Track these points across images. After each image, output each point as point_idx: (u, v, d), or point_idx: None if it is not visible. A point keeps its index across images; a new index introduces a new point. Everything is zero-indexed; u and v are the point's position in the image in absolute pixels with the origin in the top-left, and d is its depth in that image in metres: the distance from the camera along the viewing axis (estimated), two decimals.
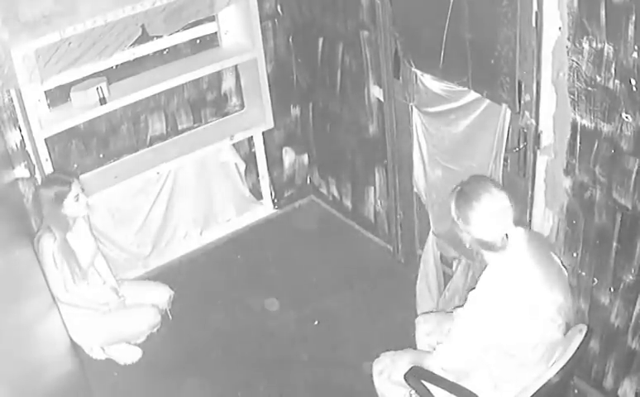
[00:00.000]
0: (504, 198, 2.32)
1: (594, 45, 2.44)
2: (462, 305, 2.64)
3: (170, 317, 3.58)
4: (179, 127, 4.09)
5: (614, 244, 2.70)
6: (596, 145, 2.60)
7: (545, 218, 2.92)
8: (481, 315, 2.35)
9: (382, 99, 3.59)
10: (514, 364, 2.39)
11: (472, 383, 2.45)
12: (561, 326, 2.39)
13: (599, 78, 2.47)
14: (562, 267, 2.45)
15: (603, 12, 2.36)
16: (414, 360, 2.59)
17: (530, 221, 2.93)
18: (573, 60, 2.53)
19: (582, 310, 2.91)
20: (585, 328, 2.41)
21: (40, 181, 3.48)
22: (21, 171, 3.54)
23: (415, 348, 2.87)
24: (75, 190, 3.22)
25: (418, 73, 3.21)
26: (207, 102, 4.13)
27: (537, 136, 2.76)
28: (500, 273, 2.33)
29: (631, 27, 2.30)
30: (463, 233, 2.38)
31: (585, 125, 2.61)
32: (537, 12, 2.52)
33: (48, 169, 3.49)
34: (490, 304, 2.33)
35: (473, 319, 2.37)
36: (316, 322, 3.68)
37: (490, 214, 2.29)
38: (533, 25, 2.54)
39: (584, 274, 2.84)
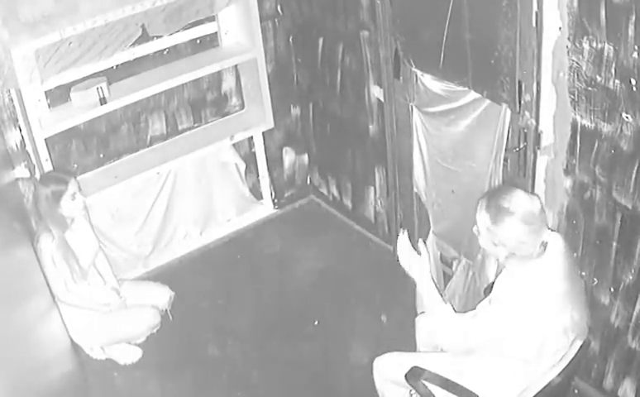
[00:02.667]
0: (539, 203, 2.29)
1: (594, 45, 2.44)
2: (479, 304, 2.63)
3: (170, 317, 3.58)
4: (179, 127, 4.09)
5: (614, 244, 2.70)
6: (596, 145, 2.60)
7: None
8: (502, 322, 2.34)
9: (382, 99, 3.59)
10: (524, 368, 2.39)
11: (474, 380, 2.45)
12: (571, 338, 2.39)
13: (599, 78, 2.47)
14: (582, 282, 2.44)
15: (603, 12, 2.36)
16: (415, 360, 2.60)
17: None
18: (573, 60, 2.53)
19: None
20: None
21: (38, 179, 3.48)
22: (21, 171, 3.54)
23: (415, 348, 2.87)
24: (72, 189, 3.22)
25: (418, 73, 3.22)
26: (207, 102, 4.13)
27: (537, 136, 2.76)
28: (530, 283, 2.29)
29: (631, 27, 2.30)
30: (498, 247, 2.31)
31: (585, 125, 2.61)
32: (537, 12, 2.52)
33: (48, 169, 3.49)
34: (513, 313, 2.31)
35: (493, 327, 2.36)
36: (316, 322, 3.68)
37: (527, 220, 2.24)
38: (533, 25, 2.54)
39: (584, 274, 2.84)
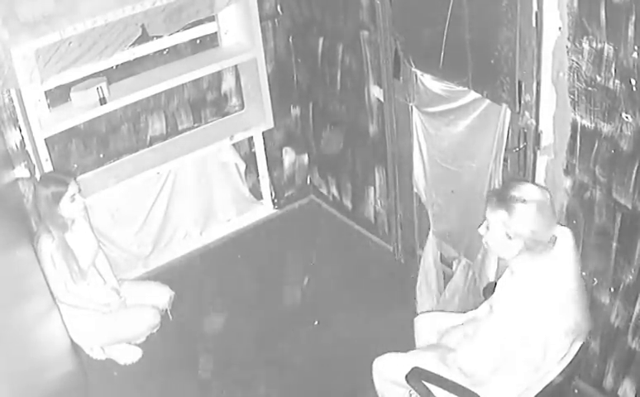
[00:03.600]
0: (547, 192, 2.32)
1: (594, 45, 2.44)
2: (480, 306, 2.63)
3: (170, 317, 3.58)
4: (179, 127, 4.09)
5: (614, 244, 2.70)
6: (596, 145, 2.60)
7: None
8: (508, 323, 2.33)
9: (382, 99, 3.59)
10: (527, 370, 2.38)
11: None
12: (571, 339, 2.39)
13: (599, 78, 2.47)
14: (584, 283, 2.44)
15: (603, 12, 2.36)
16: (415, 360, 2.59)
17: None
18: (573, 60, 2.53)
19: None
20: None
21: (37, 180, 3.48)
22: (21, 171, 3.54)
23: (415, 348, 2.87)
24: (72, 191, 3.21)
25: (418, 73, 3.21)
26: (207, 102, 4.13)
27: (537, 136, 2.76)
28: (533, 281, 2.30)
29: (631, 27, 2.30)
30: (513, 240, 2.29)
31: (585, 125, 2.61)
32: (537, 12, 2.52)
33: (48, 169, 3.49)
34: (518, 313, 2.31)
35: (500, 328, 2.36)
36: (316, 322, 3.68)
37: (540, 208, 2.25)
38: (533, 25, 2.54)
39: (584, 274, 2.84)
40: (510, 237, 2.30)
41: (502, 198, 2.31)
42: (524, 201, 2.26)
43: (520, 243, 2.29)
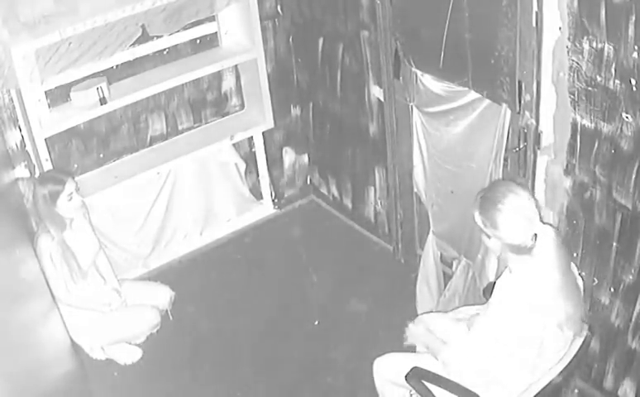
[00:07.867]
0: (529, 194, 2.33)
1: (594, 45, 2.44)
2: (475, 307, 2.63)
3: (170, 317, 3.58)
4: (179, 127, 4.09)
5: (614, 244, 2.70)
6: (596, 145, 2.60)
7: (545, 218, 2.92)
8: (503, 322, 2.33)
9: (382, 99, 3.59)
10: (520, 368, 2.38)
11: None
12: (567, 334, 2.39)
13: (599, 78, 2.48)
14: (579, 277, 2.44)
15: (603, 12, 2.36)
16: (415, 360, 2.59)
17: None
18: (573, 60, 2.54)
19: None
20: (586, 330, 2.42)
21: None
22: (21, 171, 3.54)
23: (415, 349, 2.87)
24: (69, 189, 3.20)
25: (418, 73, 3.22)
26: (207, 102, 4.13)
27: (537, 136, 2.76)
28: (527, 279, 2.30)
29: (631, 27, 2.30)
30: (492, 240, 2.34)
31: (585, 125, 2.61)
32: (537, 12, 2.52)
33: (48, 169, 3.49)
34: (514, 311, 2.31)
35: (494, 326, 2.35)
36: (316, 323, 3.68)
37: (518, 213, 2.27)
38: (533, 25, 2.54)
39: (584, 274, 2.84)
40: (489, 237, 2.34)
41: (480, 198, 2.35)
42: (498, 201, 2.28)
43: (499, 242, 2.32)
